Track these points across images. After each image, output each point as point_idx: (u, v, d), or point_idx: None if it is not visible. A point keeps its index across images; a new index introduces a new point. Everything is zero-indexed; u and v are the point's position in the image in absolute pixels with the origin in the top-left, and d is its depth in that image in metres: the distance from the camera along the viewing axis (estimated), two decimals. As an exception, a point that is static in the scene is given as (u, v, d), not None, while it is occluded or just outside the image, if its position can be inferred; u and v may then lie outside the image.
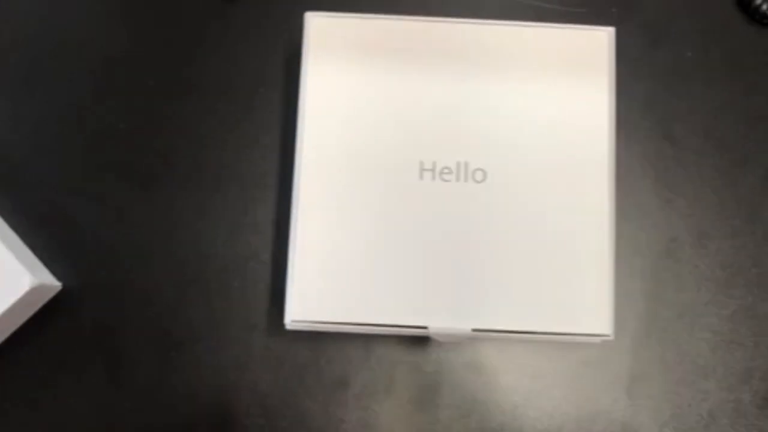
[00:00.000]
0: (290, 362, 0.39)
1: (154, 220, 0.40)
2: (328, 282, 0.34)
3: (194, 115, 0.41)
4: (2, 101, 0.41)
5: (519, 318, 0.34)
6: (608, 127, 0.35)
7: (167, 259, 0.39)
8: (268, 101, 0.41)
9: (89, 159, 0.40)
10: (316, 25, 0.36)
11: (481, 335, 0.34)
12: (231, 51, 0.41)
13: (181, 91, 0.41)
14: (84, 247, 0.39)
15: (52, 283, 0.38)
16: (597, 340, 0.34)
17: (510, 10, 0.42)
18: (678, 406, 0.39)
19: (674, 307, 0.39)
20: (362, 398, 0.39)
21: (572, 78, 0.36)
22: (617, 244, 0.38)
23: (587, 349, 0.39)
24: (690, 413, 0.39)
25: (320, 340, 0.39)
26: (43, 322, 0.39)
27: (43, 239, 0.39)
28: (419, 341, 0.39)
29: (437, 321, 0.34)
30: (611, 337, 0.34)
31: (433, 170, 0.35)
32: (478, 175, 0.35)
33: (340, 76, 0.36)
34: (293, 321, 0.34)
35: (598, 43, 0.36)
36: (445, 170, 0.35)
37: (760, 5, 0.40)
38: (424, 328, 0.34)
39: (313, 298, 0.34)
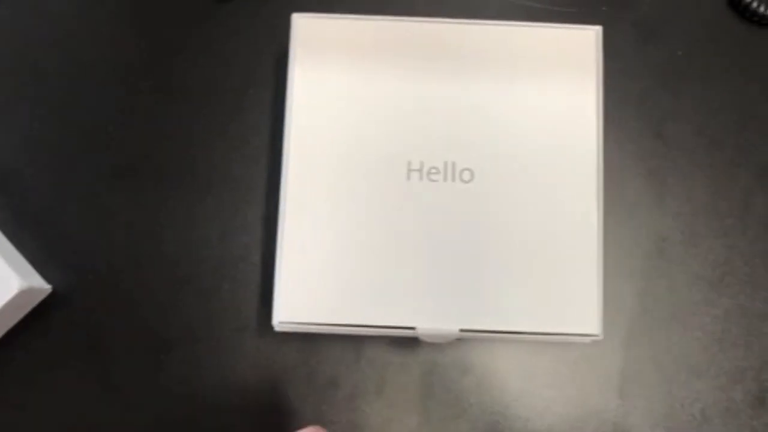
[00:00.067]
0: (280, 363, 0.39)
1: (144, 222, 0.40)
2: (315, 283, 0.34)
3: (184, 116, 0.41)
4: (-8, 104, 0.41)
5: (507, 318, 0.34)
6: (596, 126, 0.35)
7: (157, 261, 0.39)
8: (259, 102, 0.41)
9: (79, 161, 0.40)
10: (303, 26, 0.36)
11: (468, 335, 0.34)
12: (221, 52, 0.41)
13: (171, 92, 0.41)
14: (74, 249, 0.39)
15: (42, 286, 0.38)
16: (586, 340, 0.34)
17: (500, 10, 0.42)
18: (670, 405, 0.38)
19: (666, 306, 0.39)
20: (353, 399, 0.39)
21: (560, 77, 0.36)
22: (608, 244, 0.38)
23: (578, 349, 0.39)
24: (682, 413, 0.38)
25: (310, 341, 0.39)
26: (33, 325, 0.39)
27: (32, 242, 0.39)
28: (410, 342, 0.39)
29: (425, 321, 0.34)
30: (600, 337, 0.34)
31: (420, 170, 0.35)
32: (466, 175, 0.35)
33: (327, 77, 0.36)
34: (281, 322, 0.34)
35: (585, 42, 0.36)
36: (433, 170, 0.35)
37: (751, 3, 0.40)
38: (412, 328, 0.34)
39: (300, 299, 0.34)
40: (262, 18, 0.42)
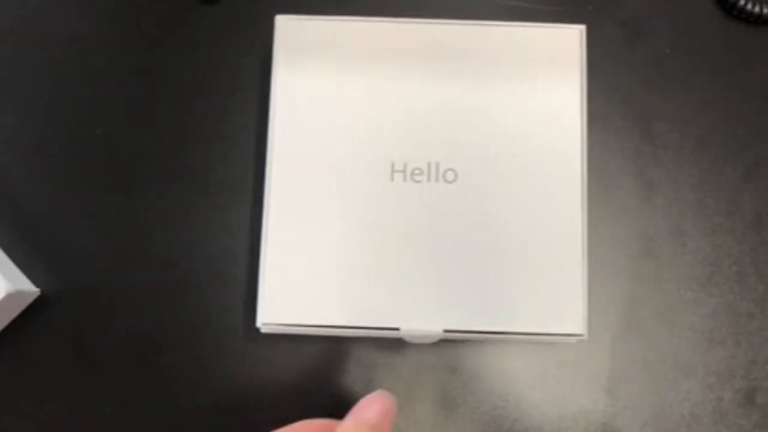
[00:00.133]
0: (268, 365, 0.39)
1: (131, 225, 0.40)
2: (299, 285, 0.34)
3: (171, 119, 0.41)
4: (-20, 109, 0.41)
5: (491, 318, 0.34)
6: (580, 125, 0.35)
7: (145, 264, 0.39)
8: (246, 104, 0.41)
9: (65, 164, 0.40)
10: (286, 27, 0.36)
11: (453, 336, 0.34)
12: (208, 54, 0.42)
13: (158, 95, 0.41)
14: (62, 253, 0.40)
15: (30, 290, 0.38)
16: (571, 340, 0.34)
17: (486, 10, 0.42)
18: (659, 405, 0.38)
19: (654, 306, 0.39)
20: (340, 401, 0.38)
21: (544, 76, 0.36)
22: (595, 243, 0.38)
23: (566, 350, 0.39)
24: (671, 413, 0.38)
25: (298, 343, 0.38)
26: (21, 328, 0.39)
27: (20, 245, 0.39)
28: (397, 343, 0.38)
29: (409, 322, 0.34)
30: (585, 337, 0.34)
31: (404, 171, 0.35)
32: (449, 176, 0.35)
33: (311, 79, 0.36)
34: (265, 324, 0.34)
35: (569, 41, 0.36)
36: (416, 171, 0.35)
37: (738, 1, 0.40)
38: (396, 329, 0.34)
39: (284, 300, 0.34)
40: (248, 20, 0.42)
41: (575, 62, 0.36)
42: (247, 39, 0.41)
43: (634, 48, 0.41)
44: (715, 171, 0.40)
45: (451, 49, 0.36)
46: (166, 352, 0.39)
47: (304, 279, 0.34)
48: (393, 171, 0.35)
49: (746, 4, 0.40)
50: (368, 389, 0.38)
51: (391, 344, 0.39)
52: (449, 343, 0.38)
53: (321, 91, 0.35)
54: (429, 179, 0.35)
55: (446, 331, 0.34)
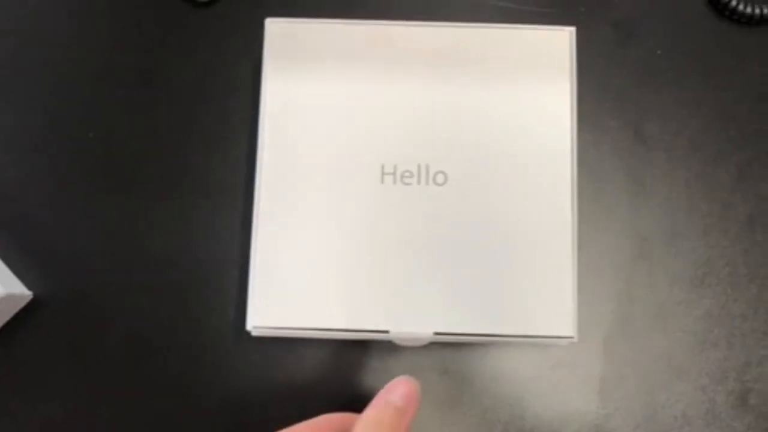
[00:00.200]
0: (261, 367, 0.39)
1: (124, 228, 0.40)
2: (289, 288, 0.34)
3: (164, 122, 0.41)
4: (-26, 113, 0.41)
5: (481, 321, 0.34)
6: (570, 127, 0.35)
7: (138, 267, 0.39)
8: (240, 107, 0.41)
9: (59, 167, 0.40)
10: (276, 31, 0.36)
11: (443, 339, 0.34)
12: (201, 57, 0.42)
13: (152, 98, 0.41)
14: (55, 256, 0.40)
15: (23, 293, 0.38)
16: (561, 342, 0.34)
17: (478, 12, 0.42)
18: (651, 407, 0.38)
19: (647, 307, 0.39)
20: (332, 403, 0.38)
21: (534, 78, 0.36)
22: (587, 244, 0.38)
23: (558, 351, 0.39)
24: (664, 415, 0.38)
25: (290, 345, 0.38)
26: (14, 331, 0.39)
27: (13, 249, 0.39)
28: (389, 346, 0.38)
29: (399, 325, 0.34)
30: (575, 339, 0.34)
31: (394, 174, 0.35)
32: (439, 178, 0.35)
33: (301, 82, 0.36)
34: (255, 327, 0.34)
35: (559, 42, 0.36)
36: (406, 173, 0.35)
37: (729, 2, 0.40)
38: (386, 332, 0.34)
39: (274, 304, 0.34)
40: (242, 23, 0.42)
41: (565, 64, 0.36)
42: (242, 42, 0.42)
43: (625, 49, 0.41)
44: (707, 172, 0.40)
45: (441, 51, 0.36)
46: (159, 355, 0.39)
47: (294, 282, 0.34)
48: (383, 174, 0.35)
49: (738, 4, 0.40)
50: (360, 392, 0.38)
51: (383, 347, 0.39)
52: (440, 345, 0.38)
53: (311, 94, 0.36)
54: (419, 182, 0.35)
55: (436, 333, 0.34)
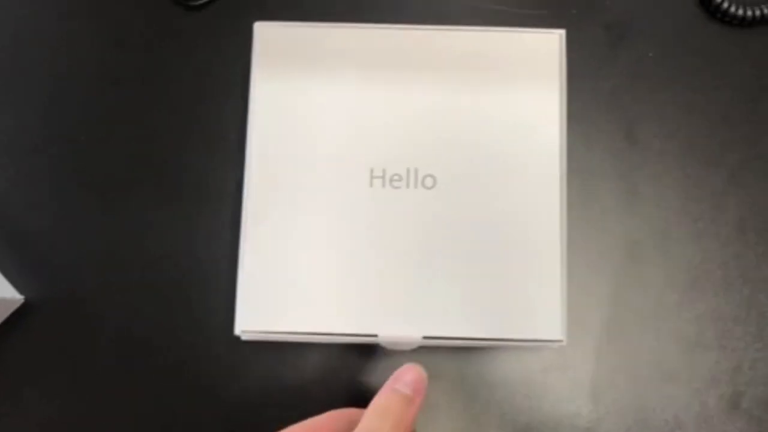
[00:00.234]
0: (252, 370, 0.39)
1: (114, 232, 0.40)
2: (277, 292, 0.34)
3: (155, 125, 0.41)
4: (-35, 117, 0.41)
5: (470, 325, 0.34)
6: (559, 130, 0.35)
7: (129, 270, 0.39)
8: (230, 109, 0.41)
9: (50, 171, 0.40)
10: (265, 34, 0.36)
11: (431, 342, 0.34)
12: (192, 60, 0.42)
13: (143, 101, 0.41)
14: (46, 260, 0.40)
15: (14, 297, 0.38)
16: (551, 345, 0.34)
17: (469, 15, 0.42)
18: (643, 411, 0.38)
19: (638, 310, 0.39)
20: (322, 407, 0.38)
21: (523, 81, 0.36)
22: (579, 248, 0.38)
23: (549, 355, 0.38)
24: (655, 418, 0.38)
25: (280, 349, 0.38)
26: (5, 335, 0.39)
27: (4, 253, 0.39)
28: (380, 350, 0.38)
29: (387, 329, 0.34)
30: (564, 343, 0.34)
31: (383, 177, 0.35)
32: (428, 182, 0.35)
33: (289, 85, 0.36)
34: (243, 331, 0.34)
35: (549, 45, 0.36)
36: (395, 177, 0.35)
37: (721, 3, 0.40)
38: (375, 336, 0.34)
39: (262, 308, 0.34)
40: (234, 26, 0.42)
41: (554, 67, 0.36)
42: (234, 45, 0.41)
43: (617, 51, 0.41)
44: (699, 174, 0.40)
45: (429, 54, 0.36)
46: (150, 359, 0.39)
47: (283, 286, 0.34)
48: (372, 177, 0.35)
49: (730, 6, 0.40)
50: (351, 396, 0.38)
51: (374, 351, 0.38)
52: (430, 349, 0.38)
53: (300, 98, 0.35)
54: (408, 185, 0.35)
55: (425, 337, 0.33)
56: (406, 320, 0.33)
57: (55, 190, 0.40)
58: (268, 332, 0.34)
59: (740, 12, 0.40)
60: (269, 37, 0.36)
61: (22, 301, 0.39)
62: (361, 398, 0.38)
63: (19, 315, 0.39)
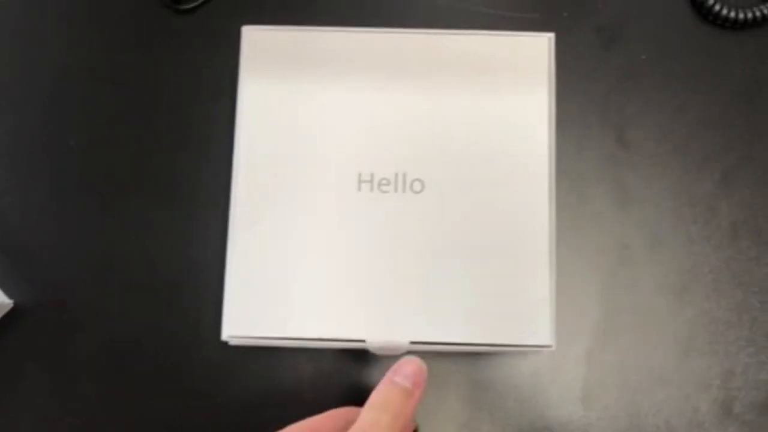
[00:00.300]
0: (241, 376, 0.38)
1: (104, 236, 0.40)
2: (264, 297, 0.34)
3: (145, 129, 0.41)
4: (-44, 121, 0.41)
5: (458, 330, 0.33)
6: (548, 134, 0.35)
7: (118, 274, 0.39)
8: (220, 114, 0.41)
9: (39, 175, 0.40)
10: (253, 38, 0.36)
11: (420, 347, 0.33)
12: (182, 63, 0.41)
13: (132, 105, 0.41)
14: (35, 264, 0.40)
15: (3, 301, 0.38)
16: (541, 350, 0.34)
17: (460, 18, 0.41)
18: (634, 416, 0.38)
19: (629, 314, 0.39)
20: (316, 409, 0.38)
21: (512, 85, 0.35)
22: (570, 251, 0.38)
23: (540, 359, 0.38)
24: (647, 423, 0.38)
25: (269, 354, 0.38)
26: (-5, 339, 0.39)
27: (-7, 257, 0.40)
28: (370, 355, 0.38)
29: (375, 334, 0.33)
30: (553, 348, 0.33)
31: (371, 182, 0.35)
32: (417, 186, 0.35)
33: (277, 89, 0.36)
34: (230, 337, 0.34)
35: (538, 49, 0.36)
36: (383, 181, 0.35)
37: (713, 6, 0.40)
38: (362, 341, 0.33)
39: (249, 313, 0.34)
40: (223, 29, 0.42)
41: (543, 71, 0.35)
42: (224, 48, 0.41)
43: (609, 54, 0.41)
44: (691, 178, 0.40)
45: (417, 58, 0.36)
46: (139, 363, 0.39)
47: (270, 291, 0.34)
48: (360, 181, 0.35)
49: (722, 8, 0.40)
50: (344, 399, 0.38)
51: (366, 354, 0.38)
52: (419, 354, 0.38)
53: (287, 101, 0.35)
54: (396, 190, 0.34)
55: (413, 342, 0.33)
56: (394, 325, 0.33)
57: (44, 194, 0.40)
58: (255, 338, 0.34)
59: (732, 14, 0.40)
60: (257, 41, 0.36)
61: (11, 305, 0.39)
62: (354, 401, 0.37)
63: (8, 318, 0.39)
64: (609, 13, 0.42)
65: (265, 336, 0.34)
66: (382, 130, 0.35)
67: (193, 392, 0.38)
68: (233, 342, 0.34)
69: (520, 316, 0.33)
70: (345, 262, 0.34)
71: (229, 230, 0.34)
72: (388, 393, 0.29)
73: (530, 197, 0.34)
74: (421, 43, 0.36)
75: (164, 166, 0.40)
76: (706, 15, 0.40)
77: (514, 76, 0.35)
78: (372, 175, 0.35)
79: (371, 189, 0.35)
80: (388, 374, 0.30)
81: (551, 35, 0.36)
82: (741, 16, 0.40)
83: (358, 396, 0.38)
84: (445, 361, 0.38)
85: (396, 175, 0.35)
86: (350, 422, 0.29)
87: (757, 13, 0.39)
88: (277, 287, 0.34)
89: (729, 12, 0.40)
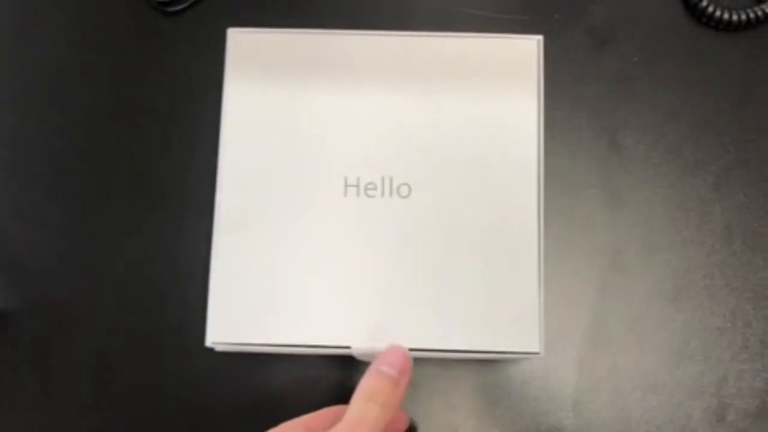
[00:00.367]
0: (226, 382, 0.38)
1: (90, 241, 0.39)
2: (248, 303, 0.33)
3: (131, 133, 0.40)
4: (-59, 125, 0.41)
5: (445, 336, 0.33)
6: (537, 137, 0.34)
7: (103, 280, 0.39)
8: (207, 117, 0.40)
9: (26, 180, 0.40)
10: (238, 40, 0.36)
11: (405, 355, 0.33)
12: (169, 66, 0.41)
13: (118, 108, 0.41)
14: (21, 269, 0.39)
15: (-12, 307, 0.38)
16: (529, 357, 0.33)
17: (451, 21, 0.41)
18: (626, 423, 0.37)
19: (621, 321, 0.38)
20: (304, 413, 0.38)
21: (500, 88, 0.35)
22: (561, 257, 0.38)
23: (530, 366, 0.38)
24: (638, 430, 0.37)
25: (255, 360, 0.38)
26: (-21, 345, 0.38)
27: (-22, 262, 0.39)
28: (356, 361, 0.38)
29: (361, 340, 0.33)
30: (541, 355, 0.33)
31: (357, 186, 0.34)
32: (403, 190, 0.34)
33: (263, 92, 0.35)
34: (215, 343, 0.33)
35: (526, 51, 0.35)
36: (370, 186, 0.34)
37: (706, 7, 0.39)
38: (347, 347, 0.33)
39: (233, 319, 0.33)
40: (210, 31, 0.41)
41: (532, 73, 0.35)
42: (211, 50, 0.41)
43: (600, 56, 0.41)
44: (684, 182, 0.39)
45: (405, 61, 0.35)
46: (122, 369, 0.38)
47: (255, 297, 0.33)
48: (346, 186, 0.34)
49: (715, 10, 0.39)
50: (331, 403, 0.37)
51: (350, 361, 0.38)
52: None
53: (273, 105, 0.35)
54: (383, 194, 0.34)
55: (399, 349, 0.33)
56: (380, 332, 0.33)
57: (31, 197, 0.40)
58: (240, 344, 0.33)
59: (725, 16, 0.39)
60: (243, 43, 0.35)
61: (-3, 310, 0.39)
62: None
63: (-7, 325, 0.39)
64: (601, 14, 0.41)
65: (250, 342, 0.33)
66: (368, 134, 0.35)
67: (178, 398, 0.38)
68: (218, 348, 0.34)
69: (509, 323, 0.33)
70: (331, 267, 0.33)
71: (214, 235, 0.34)
72: (375, 382, 0.30)
73: (519, 201, 0.34)
74: (407, 46, 0.35)
75: (150, 169, 0.40)
76: (699, 17, 0.40)
77: (503, 79, 0.35)
78: (358, 179, 0.34)
79: (358, 193, 0.34)
80: (374, 364, 0.31)
81: (540, 38, 0.35)
82: (734, 17, 0.39)
83: (343, 401, 0.37)
84: (434, 367, 0.38)
85: (383, 179, 0.34)
86: (341, 418, 0.29)
87: (751, 15, 0.39)
88: (262, 293, 0.33)
89: (722, 14, 0.39)
